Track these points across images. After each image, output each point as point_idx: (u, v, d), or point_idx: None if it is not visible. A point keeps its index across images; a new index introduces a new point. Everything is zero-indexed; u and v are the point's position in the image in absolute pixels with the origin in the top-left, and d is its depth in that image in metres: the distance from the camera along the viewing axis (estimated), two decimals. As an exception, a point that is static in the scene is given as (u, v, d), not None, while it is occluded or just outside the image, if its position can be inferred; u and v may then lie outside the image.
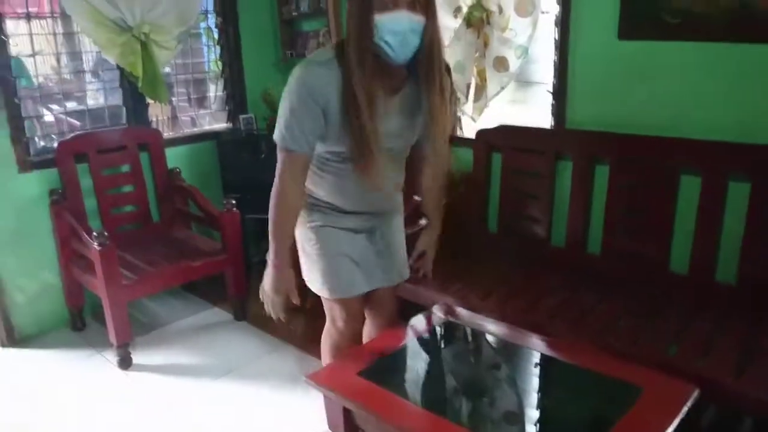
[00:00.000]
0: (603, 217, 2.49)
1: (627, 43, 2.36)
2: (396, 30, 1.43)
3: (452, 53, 2.69)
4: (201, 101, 3.81)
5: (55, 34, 3.06)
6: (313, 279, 1.81)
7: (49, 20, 3.11)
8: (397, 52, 1.46)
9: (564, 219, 2.62)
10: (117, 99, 3.33)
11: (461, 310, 2.10)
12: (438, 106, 1.59)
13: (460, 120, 3.02)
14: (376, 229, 1.83)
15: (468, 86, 2.80)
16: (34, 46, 2.97)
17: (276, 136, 1.57)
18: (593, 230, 2.56)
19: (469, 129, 2.99)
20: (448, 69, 1.70)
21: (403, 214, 1.97)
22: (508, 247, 2.73)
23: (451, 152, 1.80)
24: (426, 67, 1.54)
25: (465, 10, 2.70)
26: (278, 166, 1.59)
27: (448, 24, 2.72)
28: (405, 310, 2.23)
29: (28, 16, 2.96)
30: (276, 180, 1.60)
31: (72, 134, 3.00)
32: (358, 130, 1.51)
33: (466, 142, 2.96)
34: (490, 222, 2.89)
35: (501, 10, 2.59)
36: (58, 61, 3.14)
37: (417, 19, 1.44)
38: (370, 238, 1.82)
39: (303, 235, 1.79)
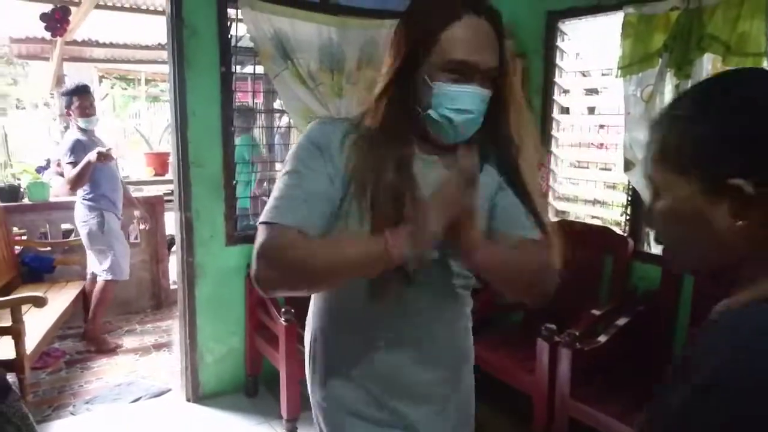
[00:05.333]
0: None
1: None
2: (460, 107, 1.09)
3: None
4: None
5: (271, 128, 3.50)
6: None
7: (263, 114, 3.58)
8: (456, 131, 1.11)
9: None
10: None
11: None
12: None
13: (648, 235, 2.89)
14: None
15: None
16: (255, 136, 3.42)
17: None
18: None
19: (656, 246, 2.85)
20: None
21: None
22: (696, 379, 2.49)
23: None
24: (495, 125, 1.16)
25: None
26: None
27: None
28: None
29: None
30: None
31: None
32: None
33: (653, 258, 2.82)
34: (676, 348, 2.67)
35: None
36: (269, 149, 3.56)
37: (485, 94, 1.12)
38: None
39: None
